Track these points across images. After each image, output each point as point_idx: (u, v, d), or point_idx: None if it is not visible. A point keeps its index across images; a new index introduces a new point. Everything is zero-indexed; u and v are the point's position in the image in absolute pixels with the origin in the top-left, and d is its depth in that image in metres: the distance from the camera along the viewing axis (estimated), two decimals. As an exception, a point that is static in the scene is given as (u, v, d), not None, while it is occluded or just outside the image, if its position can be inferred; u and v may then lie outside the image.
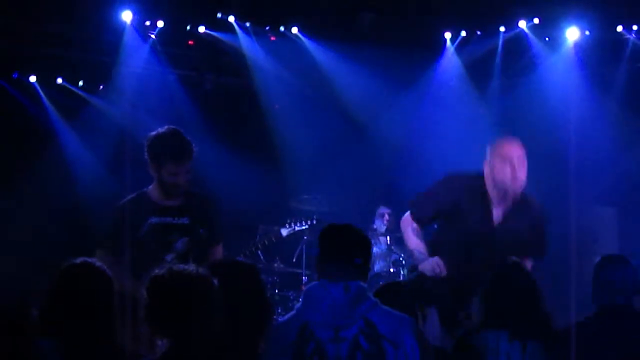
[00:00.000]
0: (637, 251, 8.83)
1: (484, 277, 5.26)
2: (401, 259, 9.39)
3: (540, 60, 9.97)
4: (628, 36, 9.70)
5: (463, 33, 10.09)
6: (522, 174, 6.27)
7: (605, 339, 5.19)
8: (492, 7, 9.72)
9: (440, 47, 10.20)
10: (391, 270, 9.47)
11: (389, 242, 9.73)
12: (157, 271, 4.01)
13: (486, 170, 6.30)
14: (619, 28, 9.65)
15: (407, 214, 6.48)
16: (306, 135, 10.20)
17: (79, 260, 4.27)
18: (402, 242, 8.36)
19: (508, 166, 6.22)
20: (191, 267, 4.01)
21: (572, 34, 9.72)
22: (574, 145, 8.53)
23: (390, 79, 9.97)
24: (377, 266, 9.70)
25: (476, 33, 10.07)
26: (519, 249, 6.10)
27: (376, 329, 4.15)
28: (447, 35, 10.15)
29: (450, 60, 10.17)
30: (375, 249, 9.43)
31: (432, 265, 6.26)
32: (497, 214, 6.34)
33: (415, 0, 9.68)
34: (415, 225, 6.44)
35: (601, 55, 9.83)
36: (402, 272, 9.19)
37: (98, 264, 4.28)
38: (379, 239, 9.87)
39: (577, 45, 9.75)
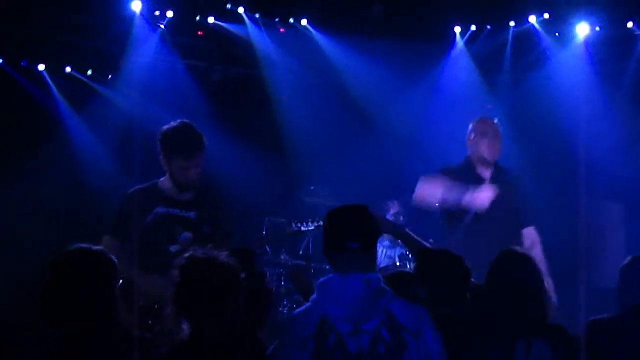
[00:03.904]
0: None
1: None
2: (407, 253, 9.36)
3: (550, 56, 9.94)
4: (638, 32, 9.68)
5: (473, 27, 10.07)
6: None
7: (630, 339, 5.16)
8: (502, 2, 9.70)
9: (450, 41, 10.18)
10: (397, 264, 9.44)
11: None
12: (194, 252, 4.10)
13: (470, 147, 7.34)
14: (630, 24, 9.64)
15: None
16: (314, 128, 10.19)
17: (74, 247, 4.26)
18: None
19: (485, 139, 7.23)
20: (225, 255, 4.08)
21: (583, 29, 9.70)
22: (583, 141, 8.53)
23: (399, 73, 9.95)
24: (384, 261, 9.68)
25: (486, 28, 10.05)
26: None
27: (397, 320, 4.14)
28: (457, 29, 10.12)
29: (460, 54, 10.15)
30: (380, 242, 9.41)
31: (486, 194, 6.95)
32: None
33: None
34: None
35: (611, 51, 9.81)
36: (408, 267, 9.16)
37: (96, 248, 4.27)
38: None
39: (587, 41, 9.73)
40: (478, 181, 7.15)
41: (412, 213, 9.33)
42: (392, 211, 10.05)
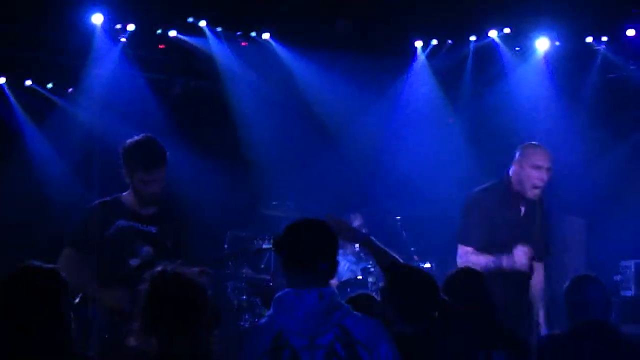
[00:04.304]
0: (605, 262, 8.93)
1: None
2: (369, 266, 9.37)
3: (511, 70, 10.02)
4: (597, 47, 9.77)
5: (434, 42, 10.11)
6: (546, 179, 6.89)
7: (581, 354, 5.20)
8: (463, 17, 9.74)
9: (411, 56, 10.22)
10: (359, 277, 9.44)
11: (358, 249, 9.70)
12: (165, 267, 4.07)
13: (515, 170, 6.90)
14: (589, 39, 9.73)
15: (461, 249, 6.81)
16: (276, 141, 10.18)
17: (25, 263, 4.18)
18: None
19: (537, 173, 6.82)
20: (194, 271, 4.06)
21: (542, 44, 9.79)
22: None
23: (361, 87, 9.98)
24: (346, 274, 9.66)
25: (447, 42, 10.10)
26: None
27: (351, 335, 4.14)
28: (418, 43, 10.17)
29: (422, 68, 10.19)
30: (344, 257, 9.41)
31: (523, 253, 6.64)
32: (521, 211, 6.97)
33: (386, 9, 9.67)
34: (471, 249, 6.78)
35: (571, 66, 9.90)
36: (369, 280, 9.16)
37: (46, 266, 4.19)
38: (348, 246, 9.84)
39: (547, 55, 9.81)
40: (511, 212, 6.94)
41: (373, 225, 9.34)
42: (355, 224, 10.03)
